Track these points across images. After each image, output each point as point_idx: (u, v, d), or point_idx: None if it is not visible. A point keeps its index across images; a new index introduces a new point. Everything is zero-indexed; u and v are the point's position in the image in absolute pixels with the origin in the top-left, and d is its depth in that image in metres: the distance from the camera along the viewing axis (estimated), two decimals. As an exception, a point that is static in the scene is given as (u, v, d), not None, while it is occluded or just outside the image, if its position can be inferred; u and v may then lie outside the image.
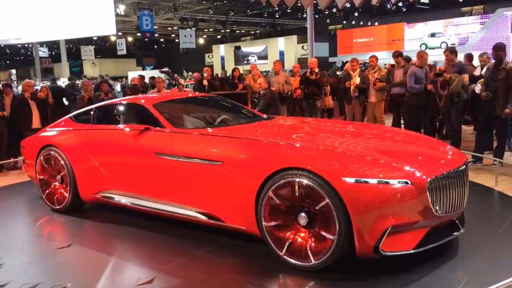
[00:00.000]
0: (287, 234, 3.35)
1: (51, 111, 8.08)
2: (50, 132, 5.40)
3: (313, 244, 3.24)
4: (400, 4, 26.18)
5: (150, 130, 4.33)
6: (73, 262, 3.92)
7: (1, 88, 8.03)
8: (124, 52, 28.74)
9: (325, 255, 3.16)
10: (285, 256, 3.34)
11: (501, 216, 4.46)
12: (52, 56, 35.17)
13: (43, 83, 15.86)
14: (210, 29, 35.19)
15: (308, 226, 3.27)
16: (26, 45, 34.38)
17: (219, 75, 17.85)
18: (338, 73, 15.25)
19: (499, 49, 6.23)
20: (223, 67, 30.09)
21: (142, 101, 4.78)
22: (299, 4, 15.47)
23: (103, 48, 38.30)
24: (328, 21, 32.06)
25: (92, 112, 5.17)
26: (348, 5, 14.09)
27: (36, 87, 11.65)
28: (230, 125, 4.55)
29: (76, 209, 5.06)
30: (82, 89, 8.94)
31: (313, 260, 3.22)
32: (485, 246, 3.69)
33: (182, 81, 17.92)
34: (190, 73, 19.39)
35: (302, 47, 31.58)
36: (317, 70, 9.00)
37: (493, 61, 6.47)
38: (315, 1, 13.20)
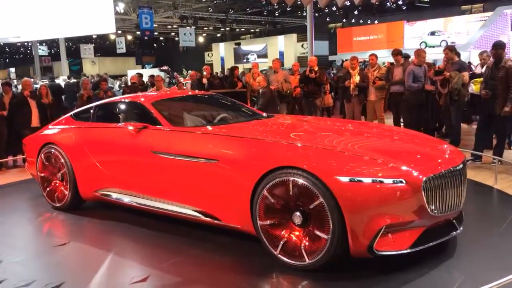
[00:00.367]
0: (282, 233, 3.35)
1: (50, 110, 8.07)
2: (51, 130, 5.43)
3: (307, 243, 3.23)
4: (400, 2, 26.15)
5: (148, 128, 4.33)
6: (70, 259, 3.94)
7: (1, 86, 8.01)
8: (124, 50, 28.71)
9: (319, 255, 3.15)
10: (279, 255, 3.34)
11: (501, 215, 4.44)
12: (52, 54, 35.14)
13: (43, 82, 15.84)
14: (210, 28, 35.16)
15: (303, 225, 3.26)
16: (25, 43, 34.34)
17: (218, 74, 17.85)
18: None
19: (499, 47, 6.22)
20: (223, 68, 30.06)
21: (142, 99, 4.78)
22: (299, 3, 15.47)
23: (103, 46, 38.25)
24: (328, 20, 31.96)
25: (92, 111, 5.19)
26: (347, 3, 14.10)
27: (36, 86, 11.65)
28: (228, 123, 4.55)
29: (76, 207, 5.09)
30: (81, 87, 8.92)
31: (307, 259, 3.21)
32: (484, 246, 3.67)
33: (181, 79, 17.88)
34: (190, 71, 19.34)
35: (302, 46, 31.54)
36: (316, 69, 9.00)
37: (493, 59, 6.45)
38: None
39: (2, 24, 16.35)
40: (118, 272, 3.60)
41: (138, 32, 27.06)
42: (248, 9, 30.61)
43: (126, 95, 6.28)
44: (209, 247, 3.85)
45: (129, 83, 12.17)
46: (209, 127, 4.27)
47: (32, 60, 29.25)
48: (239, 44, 29.11)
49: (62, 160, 4.98)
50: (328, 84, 10.17)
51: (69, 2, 16.82)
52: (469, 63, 13.14)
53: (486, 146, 6.85)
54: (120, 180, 4.59)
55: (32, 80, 16.50)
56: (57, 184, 5.17)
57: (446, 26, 25.10)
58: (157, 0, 25.67)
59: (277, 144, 3.58)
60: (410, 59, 9.11)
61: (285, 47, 32.93)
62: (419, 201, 3.08)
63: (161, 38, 40.24)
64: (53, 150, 5.07)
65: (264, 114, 5.05)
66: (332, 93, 11.90)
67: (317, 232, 3.16)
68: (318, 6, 14.96)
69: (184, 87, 10.85)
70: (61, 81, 17.88)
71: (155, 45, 43.78)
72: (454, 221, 3.46)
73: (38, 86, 9.96)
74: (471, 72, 9.23)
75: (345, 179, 3.05)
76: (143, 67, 35.07)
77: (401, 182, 3.04)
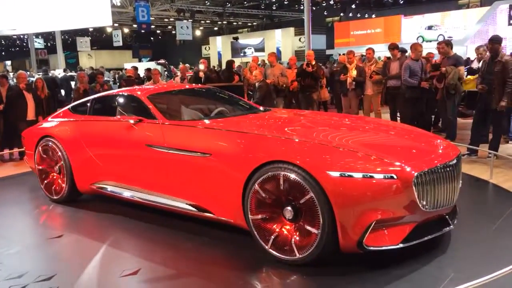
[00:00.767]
0: (273, 227, 3.35)
1: (46, 103, 8.04)
2: (49, 123, 5.46)
3: (297, 238, 3.23)
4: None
5: (143, 121, 4.34)
6: (63, 252, 3.96)
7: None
8: (120, 43, 28.58)
9: (309, 249, 3.14)
10: (270, 250, 3.34)
11: (496, 211, 4.44)
12: (48, 47, 34.94)
13: (38, 75, 15.77)
14: (207, 21, 35.03)
15: (294, 220, 3.26)
16: (21, 36, 34.15)
17: (215, 68, 17.79)
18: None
19: (495, 41, 6.23)
20: (220, 62, 29.96)
21: (138, 93, 4.78)
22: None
23: (99, 39, 38.04)
24: (325, 13, 31.86)
25: (89, 104, 5.20)
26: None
27: (31, 79, 11.59)
28: (224, 117, 4.54)
29: (73, 199, 5.11)
30: (77, 80, 8.88)
31: (297, 254, 3.21)
32: (478, 241, 3.66)
33: (178, 73, 17.83)
34: (188, 65, 19.29)
35: (299, 40, 31.47)
36: (314, 63, 8.98)
37: (489, 53, 6.47)
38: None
39: (-3, 17, 16.24)
40: (110, 264, 3.61)
41: (135, 25, 26.94)
42: (245, 3, 30.51)
43: (123, 89, 6.26)
44: (203, 241, 3.86)
45: (125, 77, 12.11)
46: (206, 121, 4.27)
47: (28, 53, 29.10)
48: (236, 38, 28.91)
49: (59, 153, 5.00)
50: (324, 78, 10.14)
51: (65, -6, 16.72)
52: (468, 58, 13.17)
53: (482, 140, 6.88)
54: (116, 173, 4.60)
55: (28, 73, 16.44)
56: (54, 177, 5.20)
57: (443, 21, 25.08)
58: (154, -7, 25.55)
59: (269, 139, 3.58)
60: (407, 54, 9.11)
61: (283, 41, 32.86)
62: (410, 197, 3.06)
63: (158, 31, 40.05)
64: (50, 143, 5.10)
65: (261, 108, 5.05)
66: (328, 87, 11.87)
67: (308, 227, 3.16)
68: (316, -1, 14.89)
69: (174, 81, 10.81)
70: (57, 74, 17.79)
71: (152, 38, 43.56)
72: (447, 216, 3.44)
73: (33, 79, 9.92)
74: (467, 67, 9.26)
75: (335, 174, 3.04)
76: (140, 61, 34.92)
77: (392, 177, 3.03)
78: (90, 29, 32.68)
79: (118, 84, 14.06)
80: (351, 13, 30.83)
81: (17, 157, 7.83)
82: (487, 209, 4.65)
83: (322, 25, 32.85)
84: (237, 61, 17.09)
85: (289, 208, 3.26)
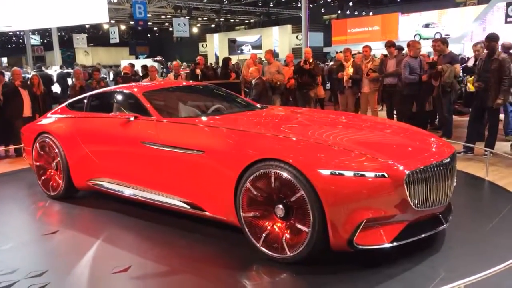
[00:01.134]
0: (265, 225, 3.35)
1: (42, 99, 8.01)
2: (47, 119, 5.47)
3: (288, 236, 3.22)
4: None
5: (138, 118, 4.33)
6: (57, 248, 3.96)
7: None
8: (117, 40, 28.45)
9: (300, 248, 3.13)
10: (261, 248, 3.33)
11: (492, 209, 4.43)
12: (44, 44, 34.80)
13: (34, 71, 15.70)
14: (204, 18, 34.92)
15: (285, 218, 3.25)
16: (17, 32, 33.99)
17: (212, 65, 17.76)
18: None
19: (492, 39, 6.24)
20: (217, 59, 29.87)
21: (135, 89, 4.77)
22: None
23: (96, 36, 37.91)
24: (322, 11, 31.89)
25: (86, 100, 5.21)
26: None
27: (27, 75, 11.54)
28: (220, 114, 4.54)
29: (70, 196, 5.12)
30: (74, 77, 8.85)
31: (288, 252, 3.20)
32: (472, 241, 3.63)
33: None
34: (185, 63, 19.26)
35: (297, 37, 31.44)
36: (311, 60, 8.98)
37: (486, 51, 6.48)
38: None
39: (-7, 13, 16.17)
40: (102, 261, 3.61)
41: (132, 22, 26.82)
42: (242, 0, 30.44)
43: (120, 85, 6.25)
44: (196, 238, 3.86)
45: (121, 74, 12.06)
46: (200, 118, 4.27)
47: (24, 49, 28.98)
48: (234, 41, 28.75)
49: (56, 149, 5.00)
50: (320, 75, 10.13)
51: (62, -10, 16.65)
52: (467, 57, 13.18)
53: (479, 139, 6.89)
54: (111, 170, 4.60)
55: (24, 69, 16.37)
56: (51, 173, 5.20)
57: (440, 18, 25.11)
58: (151, -11, 25.47)
59: (261, 136, 3.57)
60: (404, 51, 9.11)
61: (280, 39, 32.82)
62: (401, 195, 3.04)
63: (155, 28, 39.95)
64: (47, 140, 5.10)
65: (258, 105, 5.04)
66: (328, 84, 11.85)
67: (298, 225, 3.15)
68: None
69: (165, 77, 10.78)
70: (53, 70, 17.73)
71: (149, 35, 43.47)
72: (440, 215, 3.41)
73: (28, 75, 9.87)
74: (463, 65, 9.26)
75: (326, 172, 3.02)
76: (137, 58, 34.82)
77: (383, 175, 3.01)
78: (87, 26, 32.58)
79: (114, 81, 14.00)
80: (348, 11, 30.84)
81: (13, 154, 7.80)
82: (482, 207, 4.65)
83: (319, 22, 32.85)
84: (234, 59, 17.08)
85: (280, 206, 3.25)
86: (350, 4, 29.51)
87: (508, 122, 7.64)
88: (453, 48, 8.83)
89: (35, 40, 32.22)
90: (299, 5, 21.47)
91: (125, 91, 4.93)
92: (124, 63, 18.57)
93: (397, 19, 26.52)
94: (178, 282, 3.23)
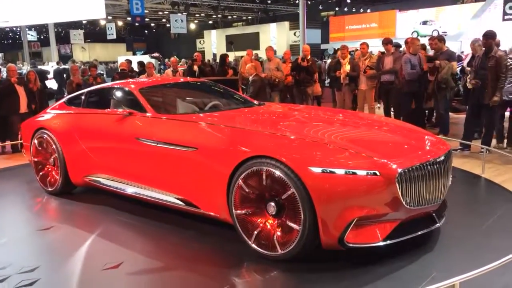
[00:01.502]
0: (256, 222, 3.33)
1: (38, 95, 7.99)
2: (45, 115, 5.47)
3: (279, 234, 3.21)
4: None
5: (134, 114, 4.33)
6: (50, 244, 3.96)
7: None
8: (114, 36, 28.36)
9: (291, 246, 3.11)
10: (253, 245, 3.33)
11: (488, 207, 4.42)
12: (41, 40, 34.66)
13: (32, 66, 15.64)
14: (202, 14, 34.85)
15: (276, 215, 3.24)
16: (14, 28, 33.84)
17: (210, 61, 17.72)
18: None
19: (489, 36, 6.24)
20: (214, 56, 29.74)
21: (132, 86, 4.75)
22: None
23: (93, 32, 37.80)
24: (320, 8, 31.87)
25: (83, 97, 5.21)
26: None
27: (21, 71, 11.48)
28: (216, 111, 4.52)
29: (68, 191, 5.12)
30: (71, 73, 8.82)
31: (279, 250, 3.19)
32: (467, 240, 3.59)
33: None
34: (184, 59, 19.21)
35: (294, 34, 31.41)
36: (309, 57, 8.97)
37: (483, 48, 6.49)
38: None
39: (-11, 9, 16.08)
40: (94, 257, 3.61)
41: (129, 18, 26.75)
42: (240, -4, 30.37)
43: (117, 81, 6.24)
44: (189, 235, 3.86)
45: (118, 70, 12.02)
46: (198, 115, 4.26)
47: (21, 45, 28.84)
48: (231, 43, 28.36)
49: (53, 145, 5.01)
50: (317, 73, 10.13)
51: (58, -14, 16.57)
52: (464, 55, 13.18)
53: (475, 137, 6.91)
54: (107, 166, 4.60)
55: (17, 66, 16.29)
56: (49, 169, 5.21)
57: (438, 15, 25.12)
58: (148, -15, 25.37)
59: (254, 133, 3.56)
60: (401, 49, 9.11)
61: (277, 35, 32.77)
62: (393, 194, 3.01)
63: (152, 24, 39.83)
64: (45, 135, 5.11)
65: (255, 102, 5.04)
66: (326, 81, 11.85)
67: (289, 223, 3.13)
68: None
69: (162, 74, 10.75)
70: (50, 67, 17.66)
71: (146, 31, 43.34)
72: (434, 214, 3.39)
73: (22, 71, 9.83)
74: (460, 62, 9.27)
75: (317, 170, 2.99)
76: (134, 54, 34.75)
77: (375, 174, 2.98)
78: (84, 22, 32.44)
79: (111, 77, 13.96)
80: (346, 8, 30.82)
81: (9, 150, 7.78)
82: (478, 205, 4.65)
83: (317, 19, 32.82)
84: (231, 55, 17.01)
85: (272, 203, 3.23)
86: (348, 1, 29.48)
87: None
88: (450, 45, 8.83)
89: (31, 36, 32.11)
90: (297, 1, 21.45)
91: (122, 87, 4.92)
92: (121, 59, 18.54)
93: (395, 16, 26.50)
94: (168, 279, 3.22)
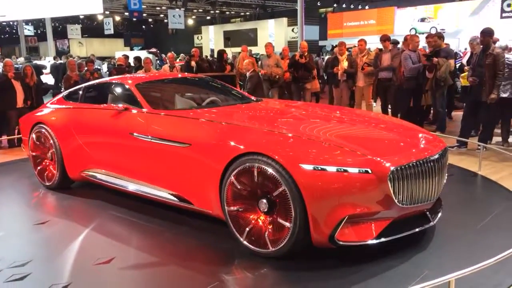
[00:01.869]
0: (248, 219, 3.33)
1: (35, 90, 7.96)
2: (43, 109, 5.48)
3: (271, 231, 3.20)
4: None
5: (129, 110, 4.32)
6: (44, 238, 3.97)
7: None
8: (112, 31, 28.27)
9: (282, 243, 3.10)
10: (245, 242, 3.32)
11: (484, 205, 4.42)
12: (38, 34, 34.50)
13: (28, 61, 15.56)
14: (200, 10, 34.71)
15: (268, 212, 3.23)
16: (11, 23, 33.67)
17: (208, 57, 17.66)
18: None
19: (487, 34, 6.25)
20: (212, 52, 29.66)
21: (129, 81, 4.74)
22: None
23: (90, 27, 37.61)
24: (318, 4, 31.72)
25: (81, 92, 5.20)
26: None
27: (19, 65, 11.42)
28: (213, 107, 4.51)
29: (65, 186, 5.13)
30: (68, 68, 8.78)
31: (270, 247, 3.18)
32: (461, 239, 3.57)
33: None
34: (183, 54, 19.13)
35: (292, 30, 31.35)
36: (306, 54, 8.95)
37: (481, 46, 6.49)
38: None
39: (-14, 3, 15.99)
40: (87, 252, 3.62)
41: (127, 13, 26.63)
42: (238, -8, 30.27)
43: (115, 77, 6.23)
44: (182, 230, 3.86)
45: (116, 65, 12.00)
46: (193, 111, 4.26)
47: (18, 40, 28.72)
48: (228, 38, 28.30)
49: (51, 140, 5.01)
50: (315, 69, 10.13)
51: (56, -19, 16.48)
52: (462, 52, 13.20)
53: (472, 134, 6.93)
54: (104, 161, 4.60)
55: (15, 60, 16.23)
56: (47, 164, 5.21)
57: (437, 13, 25.11)
58: (146, -20, 25.25)
59: (246, 129, 3.56)
60: (399, 45, 9.11)
61: (275, 31, 32.70)
62: (385, 192, 2.98)
63: (150, 19, 39.67)
64: (43, 130, 5.11)
65: (253, 98, 5.03)
66: (325, 78, 11.83)
67: (280, 220, 3.12)
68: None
69: (159, 69, 10.71)
70: (46, 62, 17.60)
71: (143, 26, 43.17)
72: (428, 213, 3.37)
73: (17, 66, 9.77)
74: (459, 59, 9.28)
75: (308, 167, 2.98)
76: (131, 49, 34.65)
77: (366, 171, 2.96)
78: (81, 17, 32.29)
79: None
80: (344, 4, 30.72)
81: (5, 145, 7.75)
82: (474, 203, 4.63)
83: (315, 16, 32.74)
84: (229, 51, 17.00)
85: (264, 200, 3.22)
86: (346, -3, 29.38)
87: None
88: (448, 42, 8.84)
89: (28, 30, 31.99)
90: (295, -2, 21.38)
91: (119, 82, 4.91)
92: (118, 54, 18.47)
93: (393, 13, 26.48)
94: (157, 275, 3.21)
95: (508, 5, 19.44)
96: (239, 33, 33.56)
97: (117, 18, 33.41)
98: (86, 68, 8.96)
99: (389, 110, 8.73)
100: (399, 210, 3.10)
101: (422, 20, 25.12)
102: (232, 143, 3.40)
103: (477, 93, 6.35)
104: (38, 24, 33.98)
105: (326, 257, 3.23)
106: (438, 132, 7.17)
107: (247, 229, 3.31)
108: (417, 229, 3.28)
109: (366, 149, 3.15)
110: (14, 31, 38.00)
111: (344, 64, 8.64)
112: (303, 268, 3.15)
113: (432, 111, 8.66)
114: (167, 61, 12.23)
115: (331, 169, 2.97)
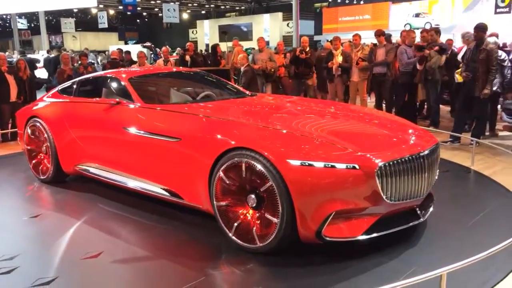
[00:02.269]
0: (237, 214, 3.33)
1: (28, 84, 7.92)
2: (39, 103, 5.47)
3: (258, 226, 3.21)
4: (386, -17, 26.03)
5: (121, 104, 4.31)
6: (34, 232, 3.98)
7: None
8: (106, 25, 28.07)
9: (269, 238, 3.11)
10: (233, 237, 3.33)
11: (476, 201, 4.44)
12: (31, 28, 34.21)
13: (23, 56, 15.44)
14: (195, 4, 34.53)
15: (256, 208, 3.23)
16: (4, 16, 33.35)
17: (203, 52, 17.60)
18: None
19: (480, 29, 6.28)
20: (207, 46, 29.54)
21: (123, 75, 4.72)
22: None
23: (84, 21, 37.33)
24: (313, -1, 31.72)
25: (75, 86, 5.18)
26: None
27: (10, 59, 11.32)
28: (206, 101, 4.51)
29: (60, 180, 5.12)
30: (61, 62, 8.73)
31: (258, 243, 3.18)
32: (452, 235, 3.57)
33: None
34: (179, 48, 19.04)
35: (287, 25, 31.27)
36: (307, 49, 8.94)
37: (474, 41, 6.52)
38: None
39: (-22, -5, 15.84)
40: (76, 246, 3.62)
41: (121, 7, 26.47)
42: (233, -14, 30.12)
43: (108, 71, 6.21)
44: (173, 225, 3.87)
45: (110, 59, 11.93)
46: (186, 105, 4.26)
47: (11, 33, 28.46)
48: (225, 33, 28.18)
49: (45, 134, 5.00)
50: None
51: (49, -27, 16.34)
52: (458, 48, 13.18)
53: (465, 129, 6.97)
54: (97, 155, 4.60)
55: (7, 53, 16.09)
56: (42, 157, 5.21)
57: (431, 8, 25.13)
58: (140, -26, 25.07)
59: (236, 124, 3.56)
60: (394, 40, 9.12)
61: (270, 26, 32.61)
62: (372, 188, 2.97)
63: (145, 13, 39.43)
64: (37, 124, 5.10)
65: (248, 93, 5.03)
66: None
67: (267, 216, 3.12)
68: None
69: (153, 63, 10.66)
70: (40, 56, 17.47)
71: (138, 20, 42.90)
72: (417, 209, 3.37)
73: (13, 59, 9.69)
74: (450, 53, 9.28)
75: (296, 162, 2.97)
76: (126, 43, 34.44)
77: (354, 167, 2.95)
78: (75, 10, 32.04)
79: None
80: (339, -1, 30.73)
81: (-1, 140, 7.71)
82: (467, 198, 4.64)
83: (310, 10, 32.67)
84: (224, 46, 16.95)
85: (252, 196, 3.22)
86: (341, -8, 29.36)
87: None
88: (443, 38, 8.85)
89: (22, 24, 31.68)
90: (290, -8, 21.34)
91: (112, 76, 4.89)
92: (113, 48, 18.37)
93: (388, 8, 26.45)
94: (144, 269, 3.21)
95: (502, 1, 19.49)
96: (234, 27, 33.41)
97: (111, 11, 33.19)
98: (79, 62, 8.91)
99: (383, 105, 8.75)
100: (387, 206, 3.09)
101: (417, 15, 25.12)
102: (221, 138, 3.40)
103: (470, 88, 6.38)
104: (32, 17, 33.67)
105: (314, 253, 3.23)
106: (431, 127, 7.20)
107: (236, 224, 3.31)
108: (405, 226, 3.27)
109: (356, 145, 3.14)
110: (7, 24, 37.66)
111: (339, 59, 8.64)
112: (291, 264, 3.15)
113: (425, 106, 8.69)
114: (161, 55, 12.17)
115: (319, 164, 2.97)
